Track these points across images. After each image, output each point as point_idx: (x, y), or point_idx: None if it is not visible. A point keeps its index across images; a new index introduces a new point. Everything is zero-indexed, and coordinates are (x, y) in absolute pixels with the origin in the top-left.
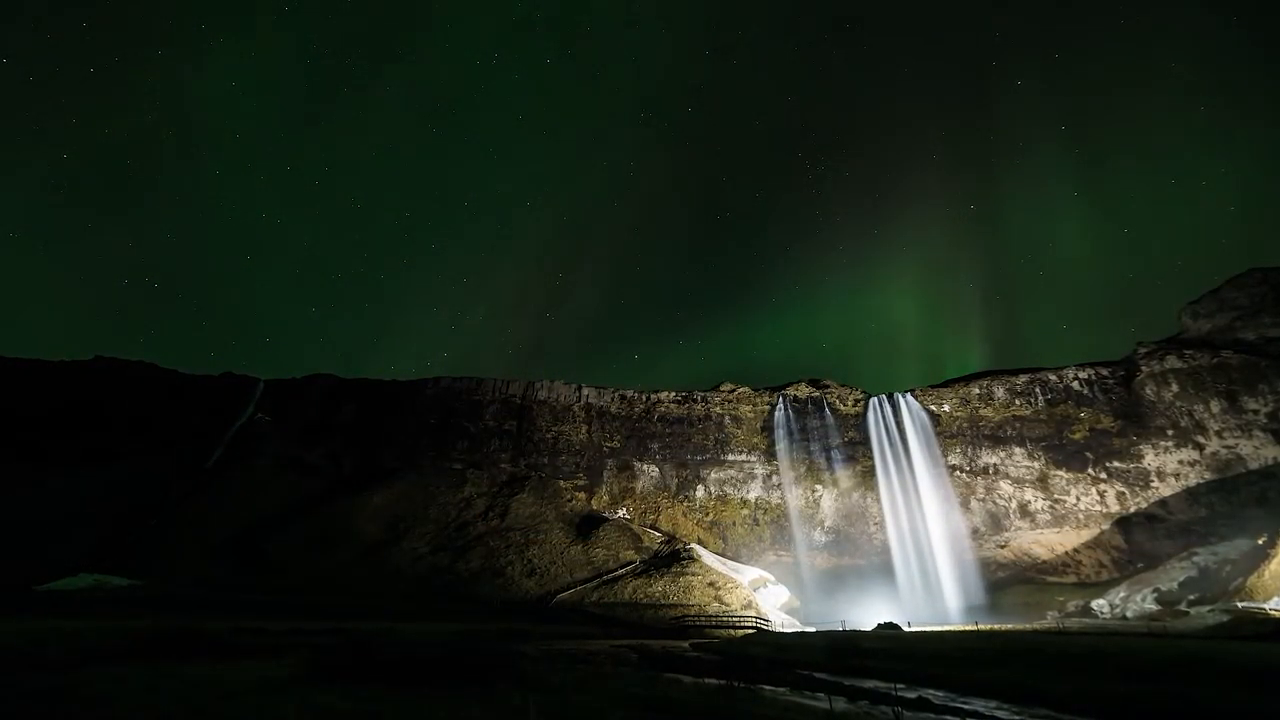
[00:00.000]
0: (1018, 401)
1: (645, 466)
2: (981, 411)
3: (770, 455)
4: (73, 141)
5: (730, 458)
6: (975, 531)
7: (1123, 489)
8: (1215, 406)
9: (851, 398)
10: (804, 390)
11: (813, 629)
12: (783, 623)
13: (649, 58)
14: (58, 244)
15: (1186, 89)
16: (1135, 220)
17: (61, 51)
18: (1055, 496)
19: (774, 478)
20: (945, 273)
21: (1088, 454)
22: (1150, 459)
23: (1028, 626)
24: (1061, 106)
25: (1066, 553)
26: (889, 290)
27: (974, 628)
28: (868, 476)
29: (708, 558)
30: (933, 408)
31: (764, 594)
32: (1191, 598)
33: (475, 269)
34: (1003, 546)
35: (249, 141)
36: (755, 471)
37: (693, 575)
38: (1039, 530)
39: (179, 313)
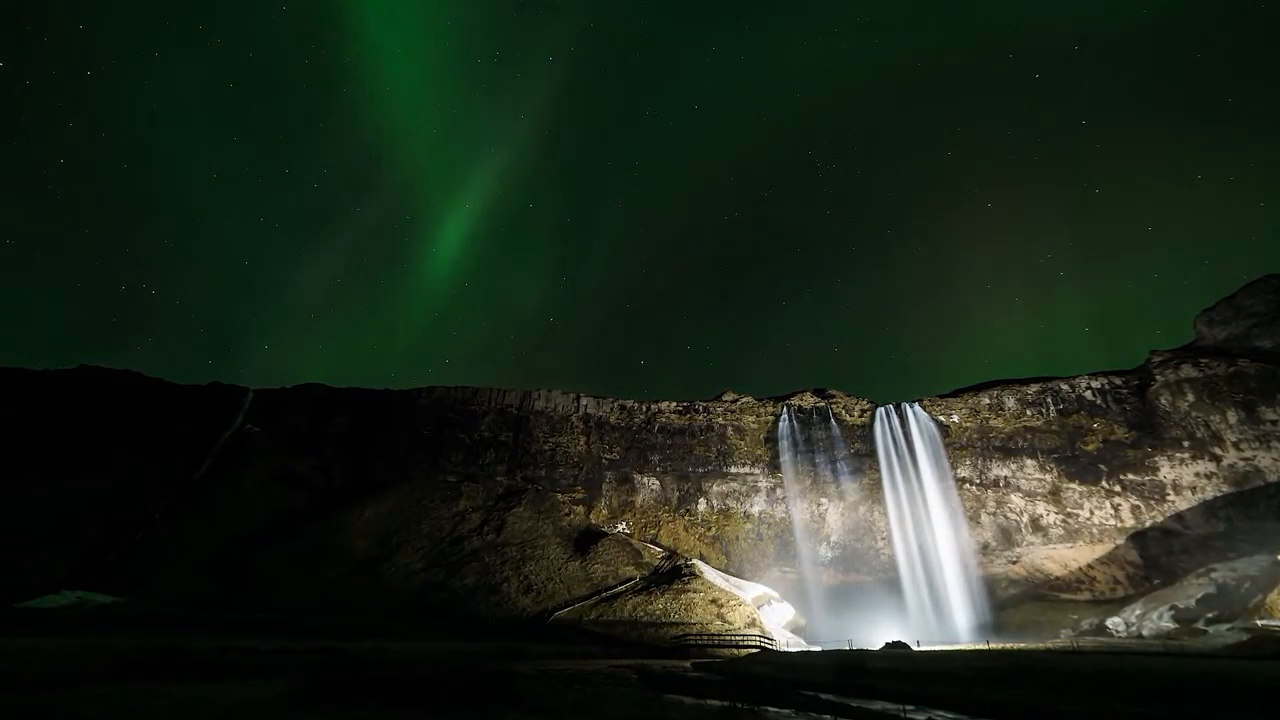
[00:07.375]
0: (1029, 412)
1: (645, 479)
2: (991, 422)
3: (774, 467)
4: (70, 144)
5: (733, 470)
6: (985, 547)
7: (1137, 502)
8: (1232, 417)
9: (858, 408)
10: (809, 400)
11: (818, 648)
12: (788, 641)
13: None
14: (54, 248)
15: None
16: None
17: (60, 54)
18: (1068, 510)
19: (778, 490)
20: (955, 272)
21: (1101, 466)
22: (1166, 471)
23: (1040, 645)
24: (1079, 100)
25: (1080, 569)
26: (895, 292)
27: (985, 647)
28: (875, 489)
29: (710, 574)
30: (941, 418)
31: (768, 611)
32: (1210, 615)
33: (475, 271)
34: (1014, 562)
35: (247, 144)
36: (759, 484)
37: (694, 592)
38: (1051, 545)
39: (177, 318)
